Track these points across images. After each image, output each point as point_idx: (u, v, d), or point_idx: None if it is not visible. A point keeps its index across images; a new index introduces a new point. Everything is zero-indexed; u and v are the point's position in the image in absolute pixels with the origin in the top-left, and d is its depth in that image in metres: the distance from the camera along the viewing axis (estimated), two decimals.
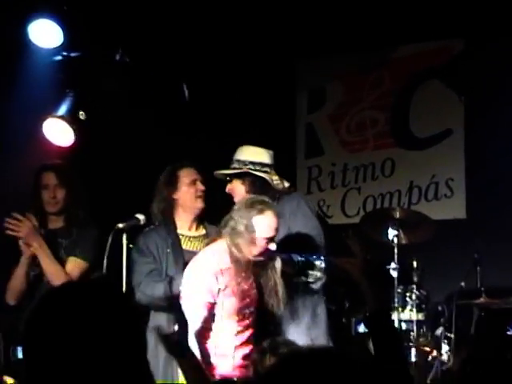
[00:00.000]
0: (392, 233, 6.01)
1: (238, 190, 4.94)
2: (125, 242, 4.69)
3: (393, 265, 5.94)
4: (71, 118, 5.81)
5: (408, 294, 6.07)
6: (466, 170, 7.13)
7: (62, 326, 1.84)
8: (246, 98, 7.30)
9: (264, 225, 4.34)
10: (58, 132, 5.83)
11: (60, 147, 5.84)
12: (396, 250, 5.97)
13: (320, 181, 7.66)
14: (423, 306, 6.06)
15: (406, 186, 7.33)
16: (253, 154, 5.03)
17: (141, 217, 4.83)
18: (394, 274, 5.95)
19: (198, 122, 6.89)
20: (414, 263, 6.14)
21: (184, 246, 5.06)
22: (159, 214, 5.06)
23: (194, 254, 4.91)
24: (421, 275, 6.16)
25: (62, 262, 5.08)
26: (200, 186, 5.08)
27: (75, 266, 5.08)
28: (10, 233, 4.94)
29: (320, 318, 4.88)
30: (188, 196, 5.06)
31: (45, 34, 5.86)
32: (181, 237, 5.08)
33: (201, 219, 5.14)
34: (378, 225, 6.15)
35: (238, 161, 5.01)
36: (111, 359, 1.84)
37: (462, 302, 6.00)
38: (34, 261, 5.04)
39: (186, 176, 5.09)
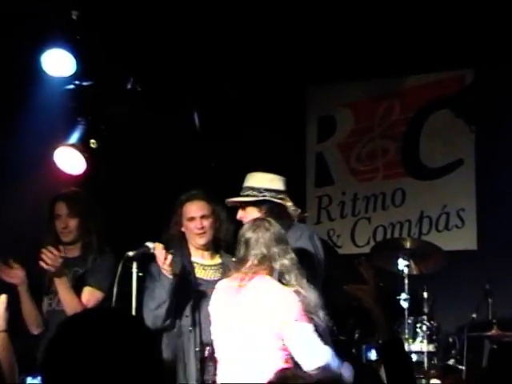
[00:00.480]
0: (402, 263, 5.98)
1: (252, 217, 4.82)
2: (135, 270, 4.67)
3: (403, 295, 5.92)
4: (82, 147, 5.87)
5: (419, 325, 6.01)
6: (477, 200, 7.12)
7: (80, 354, 1.83)
8: (256, 126, 7.28)
9: None
10: (69, 160, 5.88)
11: (71, 175, 5.88)
12: (406, 281, 5.95)
13: (330, 210, 7.63)
14: (434, 337, 6.00)
15: (417, 216, 7.31)
16: (267, 181, 4.95)
17: (150, 245, 4.78)
18: (405, 304, 5.92)
19: (208, 150, 6.87)
20: (425, 294, 6.07)
21: (198, 275, 5.01)
22: (172, 241, 5.04)
23: (207, 282, 4.91)
24: (431, 306, 6.09)
25: (78, 292, 5.06)
26: (198, 224, 4.97)
27: (91, 295, 5.06)
28: (45, 266, 4.86)
29: None
30: (188, 232, 5.03)
31: (57, 63, 5.93)
32: (195, 265, 5.03)
33: (216, 247, 5.08)
34: (388, 255, 6.13)
35: (253, 188, 4.91)
36: None
37: (473, 334, 5.96)
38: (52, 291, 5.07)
39: (186, 212, 5.02)
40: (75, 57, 5.91)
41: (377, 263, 6.14)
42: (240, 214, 4.87)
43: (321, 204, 7.65)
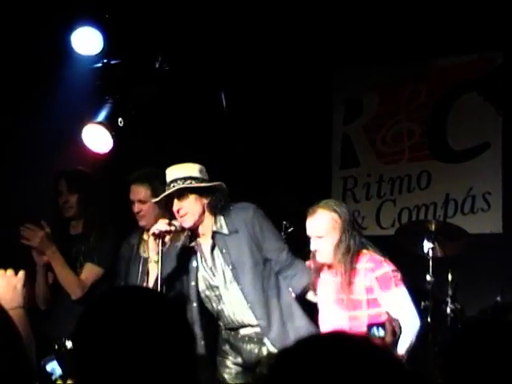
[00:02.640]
0: (427, 245, 5.90)
1: (192, 205, 4.81)
2: (160, 247, 4.69)
3: (428, 277, 5.85)
4: (110, 125, 5.86)
5: (442, 307, 5.93)
6: (503, 183, 7.04)
7: (110, 334, 1.83)
8: (282, 108, 7.28)
9: None
10: (96, 138, 5.88)
11: (98, 153, 5.89)
12: (431, 263, 5.86)
13: (355, 192, 7.61)
14: (457, 319, 5.92)
15: (442, 199, 7.26)
16: (197, 170, 4.83)
17: (176, 223, 4.78)
18: (429, 286, 5.85)
19: (235, 131, 6.86)
20: (449, 276, 5.99)
21: (140, 251, 5.13)
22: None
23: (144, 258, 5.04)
24: (455, 288, 6.00)
25: (81, 268, 5.16)
26: (136, 208, 5.06)
27: (90, 272, 5.13)
28: (25, 242, 4.95)
29: None
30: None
31: (86, 41, 5.96)
32: (142, 241, 5.15)
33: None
34: (413, 237, 6.05)
35: (190, 178, 4.78)
36: (161, 364, 1.81)
37: (496, 317, 5.87)
38: (50, 268, 5.12)
39: (130, 193, 5.12)
40: (104, 35, 5.93)
41: (401, 245, 6.15)
42: (178, 206, 4.72)
43: (346, 185, 7.62)
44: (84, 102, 6.08)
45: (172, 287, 4.87)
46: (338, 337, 1.68)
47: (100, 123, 5.84)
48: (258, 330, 4.76)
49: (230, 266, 4.73)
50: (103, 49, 5.95)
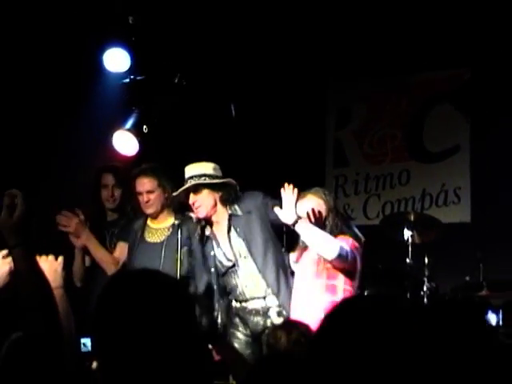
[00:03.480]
0: (407, 233, 5.99)
1: (206, 199, 4.97)
2: (179, 236, 4.93)
3: (407, 260, 5.96)
4: (136, 131, 6.05)
5: (420, 286, 6.02)
6: (471, 180, 7.24)
7: (125, 312, 1.82)
8: (283, 116, 7.40)
9: None
10: (125, 142, 6.08)
11: (126, 155, 6.09)
12: (410, 248, 5.95)
13: (345, 187, 7.77)
14: (432, 296, 5.99)
15: (420, 194, 7.45)
16: (211, 168, 5.02)
17: (193, 215, 5.04)
18: (408, 268, 5.96)
19: (242, 137, 6.92)
20: (426, 260, 6.06)
21: (146, 237, 5.19)
22: (134, 208, 5.30)
23: (151, 244, 5.11)
24: (431, 270, 6.07)
25: (115, 247, 5.26)
26: (144, 198, 5.11)
27: (121, 249, 5.22)
28: (62, 228, 5.01)
29: None
30: (139, 204, 5.19)
31: (115, 60, 6.22)
32: (146, 227, 5.21)
33: (169, 211, 5.17)
34: (395, 226, 6.16)
35: (204, 175, 4.99)
36: (173, 342, 1.81)
37: (466, 294, 5.99)
38: (87, 251, 5.18)
39: (135, 186, 5.17)
40: (130, 55, 6.16)
41: (385, 233, 6.30)
42: (193, 199, 4.92)
43: (338, 182, 7.79)
44: (114, 112, 6.28)
45: (196, 274, 5.07)
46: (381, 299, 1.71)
47: (128, 130, 6.05)
48: (264, 304, 4.93)
49: (244, 241, 4.93)
50: (130, 67, 6.20)
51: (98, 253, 5.11)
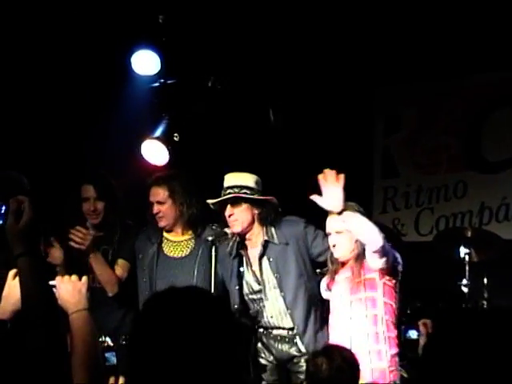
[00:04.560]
0: (464, 251, 5.92)
1: (244, 215, 4.79)
2: (213, 253, 4.68)
3: (464, 281, 5.86)
4: (166, 139, 5.87)
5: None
6: None
7: (165, 330, 1.78)
8: (327, 123, 7.24)
9: None
10: (154, 152, 5.90)
11: (156, 166, 5.87)
12: (467, 268, 5.87)
13: (395, 201, 7.57)
14: None
15: (478, 207, 7.19)
16: (253, 181, 4.82)
17: (228, 230, 4.82)
18: (465, 289, 5.86)
19: (281, 144, 6.84)
20: (485, 280, 5.99)
21: (165, 251, 5.01)
22: (151, 220, 5.07)
23: (171, 258, 4.93)
24: (490, 291, 5.99)
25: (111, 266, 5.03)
26: (155, 209, 4.93)
27: (122, 268, 5.01)
28: (75, 246, 4.79)
29: None
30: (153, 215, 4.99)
31: (145, 62, 6.00)
32: (164, 240, 5.02)
33: (188, 223, 4.99)
34: (450, 243, 6.05)
35: (246, 187, 4.78)
36: (211, 366, 1.76)
37: None
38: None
39: (149, 195, 4.99)
40: (160, 57, 5.98)
41: (439, 251, 6.15)
42: (229, 211, 4.73)
43: (386, 195, 7.60)
44: (143, 118, 6.14)
45: (222, 288, 4.87)
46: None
47: (157, 138, 5.88)
48: (290, 332, 4.76)
49: (276, 274, 4.72)
50: (160, 69, 6.01)
51: (104, 272, 4.91)
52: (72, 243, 4.80)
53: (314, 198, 4.25)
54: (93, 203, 5.06)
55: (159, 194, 4.95)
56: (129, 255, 5.04)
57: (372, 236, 4.25)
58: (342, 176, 4.24)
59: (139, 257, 5.02)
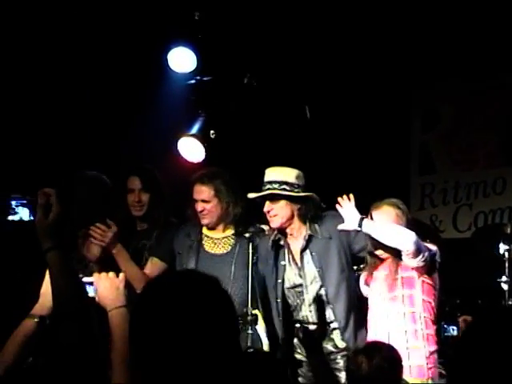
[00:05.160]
0: (503, 247, 5.80)
1: (283, 211, 4.71)
2: (250, 250, 4.61)
3: (504, 278, 5.76)
4: (202, 137, 5.88)
5: None
6: None
7: (163, 316, 1.77)
8: (363, 119, 7.17)
9: None
10: (190, 149, 5.92)
11: (192, 163, 5.90)
12: (507, 264, 5.76)
13: (433, 197, 7.51)
14: None
15: None
16: (294, 176, 4.72)
17: (266, 227, 4.80)
18: (505, 286, 5.75)
19: (318, 141, 6.79)
20: None
21: (206, 248, 4.90)
22: (191, 216, 4.97)
23: (212, 255, 4.83)
24: None
25: (146, 262, 4.93)
26: (199, 207, 4.81)
27: (154, 266, 4.88)
28: (96, 242, 4.71)
29: None
30: (196, 212, 4.88)
31: (181, 60, 6.00)
32: (204, 237, 4.92)
33: (231, 221, 4.87)
34: (489, 240, 5.96)
35: (286, 182, 4.68)
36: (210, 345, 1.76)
37: None
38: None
39: (192, 193, 4.87)
40: (197, 54, 5.97)
41: (478, 247, 6.08)
42: (268, 207, 4.67)
43: (424, 191, 7.53)
44: (179, 115, 6.11)
45: (262, 284, 4.82)
46: None
47: (193, 135, 5.88)
48: (328, 327, 4.71)
49: (318, 268, 4.66)
50: (196, 67, 6.00)
51: (129, 268, 4.72)
52: (92, 239, 4.73)
53: (341, 227, 4.49)
54: (138, 194, 4.97)
55: (204, 192, 4.83)
56: (165, 255, 4.93)
57: (398, 240, 4.29)
58: (351, 196, 4.45)
59: (178, 254, 4.93)
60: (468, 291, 6.14)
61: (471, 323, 1.86)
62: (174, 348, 1.74)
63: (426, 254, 4.29)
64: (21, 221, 3.81)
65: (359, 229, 4.39)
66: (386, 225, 4.35)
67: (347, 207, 4.42)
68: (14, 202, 3.84)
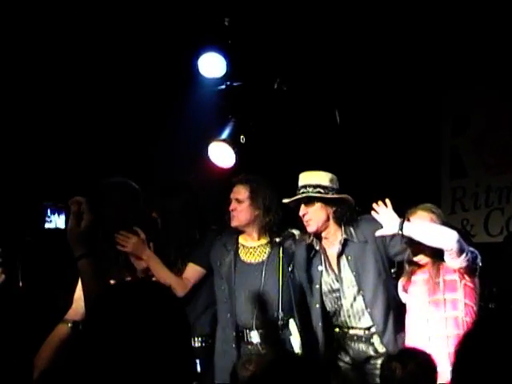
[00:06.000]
0: None
1: (317, 214, 4.66)
2: (281, 254, 4.56)
3: None
4: (233, 142, 5.85)
5: None
6: None
7: (113, 325, 1.77)
8: (394, 124, 7.14)
9: None
10: (221, 154, 5.89)
11: (223, 168, 5.89)
12: None
13: (464, 201, 7.45)
14: None
15: None
16: (328, 179, 4.68)
17: (296, 232, 4.72)
18: None
19: (348, 145, 6.77)
20: None
21: (241, 256, 4.84)
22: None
23: (247, 264, 4.77)
24: None
25: (184, 267, 4.87)
26: (232, 205, 4.77)
27: (192, 271, 4.85)
28: (120, 248, 4.66)
29: None
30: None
31: (211, 65, 6.00)
32: (240, 246, 4.86)
33: (264, 229, 4.81)
34: None
35: (320, 186, 4.64)
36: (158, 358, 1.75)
37: None
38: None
39: (231, 193, 4.84)
40: (226, 59, 5.98)
41: (510, 251, 5.99)
42: (303, 210, 4.61)
43: (455, 195, 7.47)
44: (209, 120, 6.10)
45: (300, 290, 4.78)
46: None
47: (224, 140, 5.85)
48: (367, 331, 4.65)
49: (354, 273, 4.61)
50: (226, 72, 6.01)
51: (161, 274, 4.73)
52: (118, 246, 4.69)
53: (378, 233, 4.42)
54: None
55: (240, 191, 4.81)
56: (202, 260, 4.87)
57: (441, 239, 4.20)
58: (387, 201, 4.37)
59: (217, 265, 4.87)
60: (501, 296, 6.02)
61: (471, 327, 1.84)
62: (123, 361, 1.74)
63: (469, 253, 4.22)
64: (57, 229, 3.82)
65: (400, 232, 4.31)
66: (428, 225, 4.29)
67: (385, 212, 4.34)
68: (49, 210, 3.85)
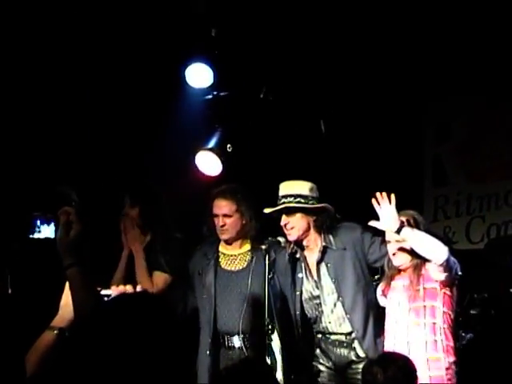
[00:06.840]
0: None
1: (299, 223, 4.73)
2: (267, 261, 4.60)
3: None
4: (219, 151, 5.87)
5: None
6: None
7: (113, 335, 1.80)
8: (377, 132, 7.12)
9: None
10: (208, 163, 5.91)
11: (209, 176, 5.90)
12: None
13: (446, 209, 7.42)
14: None
15: None
16: (308, 189, 4.74)
17: (282, 239, 4.75)
18: None
19: (333, 154, 6.77)
20: None
21: (222, 265, 4.89)
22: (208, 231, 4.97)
23: (229, 272, 4.83)
24: None
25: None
26: (220, 222, 4.80)
27: (159, 279, 4.87)
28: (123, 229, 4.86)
29: None
30: (215, 226, 4.88)
31: (198, 75, 6.00)
32: (220, 254, 4.91)
33: (246, 237, 4.89)
34: (501, 251, 5.96)
35: (300, 195, 4.70)
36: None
37: None
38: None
39: (212, 207, 4.85)
40: (213, 70, 5.98)
41: (491, 259, 6.02)
42: (285, 221, 4.67)
43: (437, 203, 7.44)
44: (196, 130, 6.10)
45: (280, 296, 4.82)
46: None
47: (210, 149, 5.87)
48: (349, 336, 4.70)
49: (334, 280, 4.67)
50: (213, 82, 6.01)
51: (141, 268, 4.86)
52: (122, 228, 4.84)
53: (372, 223, 4.38)
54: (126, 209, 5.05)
55: (226, 206, 4.83)
56: (169, 268, 4.88)
57: (434, 252, 4.25)
58: (393, 196, 4.36)
59: (198, 275, 4.92)
60: (481, 302, 6.05)
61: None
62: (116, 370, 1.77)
63: (454, 269, 4.29)
64: (46, 238, 3.85)
65: (394, 231, 4.31)
66: (425, 235, 4.31)
67: (387, 207, 4.33)
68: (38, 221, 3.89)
